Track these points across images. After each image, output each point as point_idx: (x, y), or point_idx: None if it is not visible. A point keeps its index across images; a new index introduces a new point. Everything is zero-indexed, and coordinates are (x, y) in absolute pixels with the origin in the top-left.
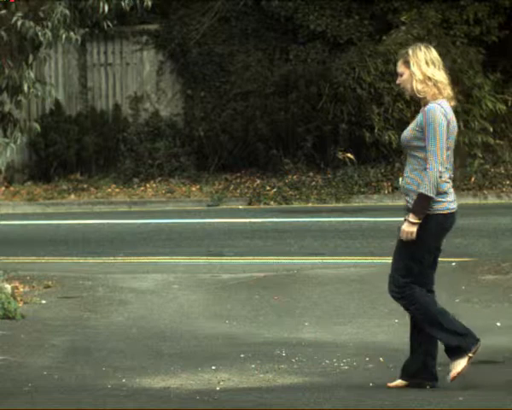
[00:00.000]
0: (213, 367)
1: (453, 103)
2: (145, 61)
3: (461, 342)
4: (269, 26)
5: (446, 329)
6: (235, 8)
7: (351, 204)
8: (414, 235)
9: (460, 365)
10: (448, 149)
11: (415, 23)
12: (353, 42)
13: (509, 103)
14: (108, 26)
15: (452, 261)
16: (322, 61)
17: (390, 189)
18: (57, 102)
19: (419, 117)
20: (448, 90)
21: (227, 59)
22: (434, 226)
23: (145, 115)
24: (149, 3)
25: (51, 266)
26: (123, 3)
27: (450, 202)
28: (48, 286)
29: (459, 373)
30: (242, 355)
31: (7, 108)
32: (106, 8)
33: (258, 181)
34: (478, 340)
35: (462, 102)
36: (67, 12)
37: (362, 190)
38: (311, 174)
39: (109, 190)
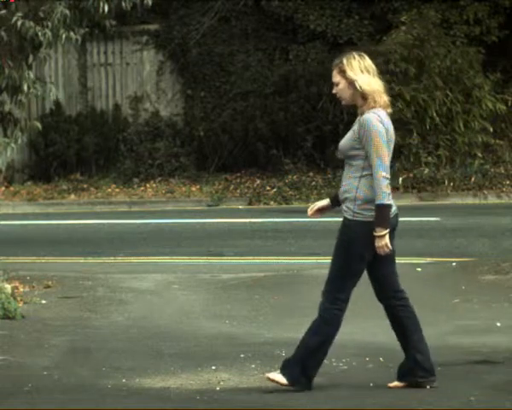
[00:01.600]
0: (213, 367)
1: (390, 110)
2: (145, 61)
3: (300, 379)
4: (269, 26)
5: (308, 361)
6: (235, 8)
7: None
8: (389, 245)
9: (280, 380)
10: (387, 155)
11: (415, 23)
12: (353, 42)
13: (509, 103)
14: (110, 25)
15: (452, 261)
16: (322, 61)
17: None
18: (57, 102)
19: (356, 126)
20: (384, 98)
21: (227, 59)
22: (364, 233)
23: (145, 115)
24: (150, 2)
25: (51, 266)
26: (123, 3)
27: None
28: (48, 286)
29: (270, 380)
30: (242, 355)
31: (7, 107)
32: (106, 8)
33: (258, 181)
34: (308, 388)
35: (462, 102)
36: (67, 12)
37: None
38: (311, 174)
39: (109, 190)
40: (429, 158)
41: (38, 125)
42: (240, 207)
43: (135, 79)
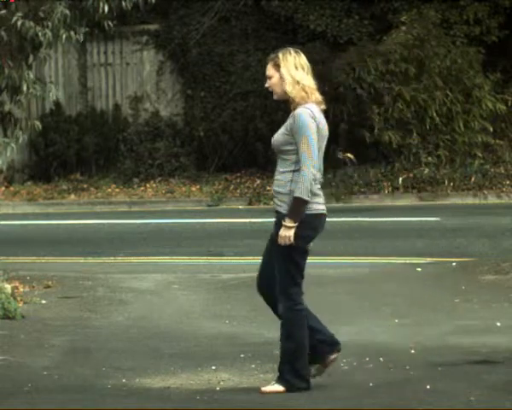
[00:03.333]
0: (213, 367)
1: (323, 107)
2: (145, 61)
3: (294, 381)
4: (269, 26)
5: (296, 364)
6: (235, 8)
7: (351, 204)
8: (291, 239)
9: (277, 389)
10: (319, 151)
11: (415, 23)
12: (353, 42)
13: (509, 103)
14: (109, 25)
15: (452, 261)
16: (322, 61)
17: (390, 189)
18: (57, 102)
19: (289, 121)
20: (316, 95)
21: (227, 59)
22: (300, 227)
23: (145, 115)
24: (153, 0)
25: (51, 266)
26: (124, 3)
27: (318, 203)
28: (48, 286)
29: (267, 393)
30: (242, 355)
31: (7, 107)
32: (106, 8)
33: (258, 181)
34: (307, 388)
35: (462, 102)
36: (67, 12)
37: (362, 190)
38: None
39: (109, 190)
40: (429, 158)
41: (39, 124)
42: (240, 207)
43: (135, 79)
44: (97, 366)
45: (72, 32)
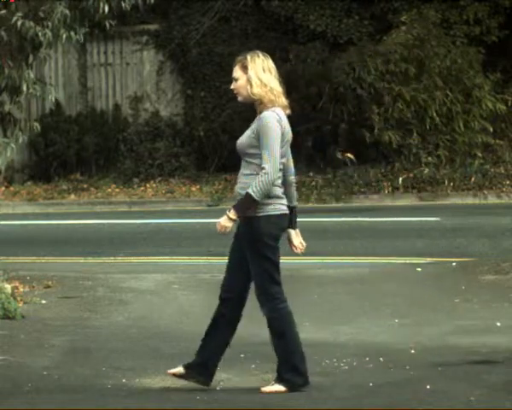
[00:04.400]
0: None
1: (288, 111)
2: (145, 61)
3: (294, 380)
4: (269, 26)
5: (294, 361)
6: (235, 8)
7: (351, 204)
8: (228, 230)
9: (278, 389)
10: (283, 156)
11: (415, 23)
12: (353, 42)
13: (509, 103)
14: (111, 25)
15: (452, 261)
16: (322, 61)
17: (390, 189)
18: (57, 102)
19: (255, 124)
20: (282, 99)
21: (227, 59)
22: (268, 226)
23: (145, 115)
24: (152, 0)
25: (51, 266)
26: (123, 3)
27: (282, 204)
28: (48, 286)
29: (267, 393)
30: (242, 355)
31: (7, 107)
32: (106, 8)
33: None
34: (307, 384)
35: (462, 102)
36: (67, 12)
37: (362, 190)
38: (311, 174)
39: (109, 190)
40: (429, 158)
41: (37, 125)
42: None
43: (135, 79)
44: (97, 366)
45: (72, 32)
